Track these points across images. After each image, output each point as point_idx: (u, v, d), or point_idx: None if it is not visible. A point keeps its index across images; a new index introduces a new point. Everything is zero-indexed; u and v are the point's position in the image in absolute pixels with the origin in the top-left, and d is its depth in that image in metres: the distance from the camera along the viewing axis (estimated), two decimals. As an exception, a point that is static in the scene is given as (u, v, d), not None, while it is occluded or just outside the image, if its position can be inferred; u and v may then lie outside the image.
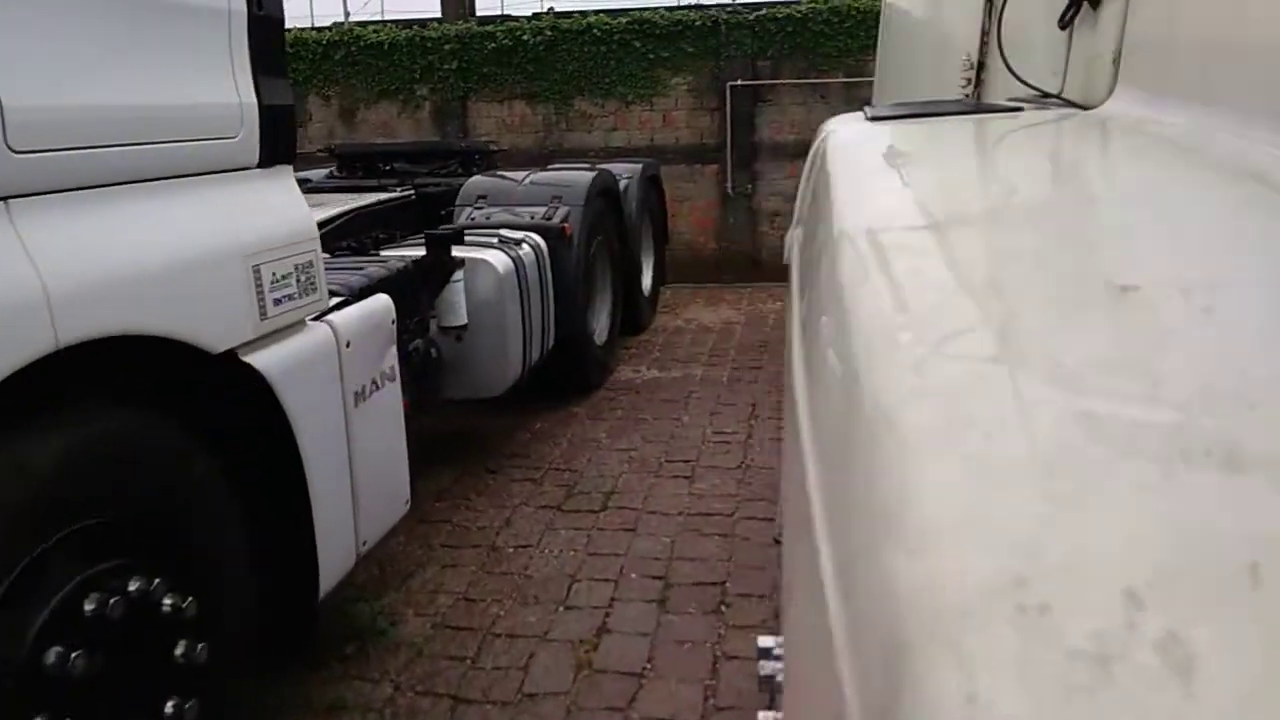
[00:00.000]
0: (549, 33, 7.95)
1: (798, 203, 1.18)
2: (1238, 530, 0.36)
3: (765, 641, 1.47)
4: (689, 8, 8.05)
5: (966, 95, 1.49)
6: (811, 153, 1.16)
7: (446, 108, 8.37)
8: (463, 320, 3.71)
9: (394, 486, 2.86)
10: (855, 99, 7.71)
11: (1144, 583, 0.33)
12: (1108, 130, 0.98)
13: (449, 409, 4.32)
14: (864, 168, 0.95)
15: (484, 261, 3.85)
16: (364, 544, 2.64)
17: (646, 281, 6.61)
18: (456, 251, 3.77)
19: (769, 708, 1.36)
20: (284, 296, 2.24)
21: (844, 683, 0.48)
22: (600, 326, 5.44)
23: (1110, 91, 1.07)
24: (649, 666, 2.72)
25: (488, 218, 4.73)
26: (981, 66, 1.44)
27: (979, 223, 0.78)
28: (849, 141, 1.07)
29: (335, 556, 2.47)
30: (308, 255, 2.33)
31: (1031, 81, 1.24)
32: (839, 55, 7.63)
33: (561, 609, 3.07)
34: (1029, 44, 1.20)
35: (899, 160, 0.97)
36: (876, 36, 3.44)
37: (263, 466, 2.24)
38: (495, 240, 4.17)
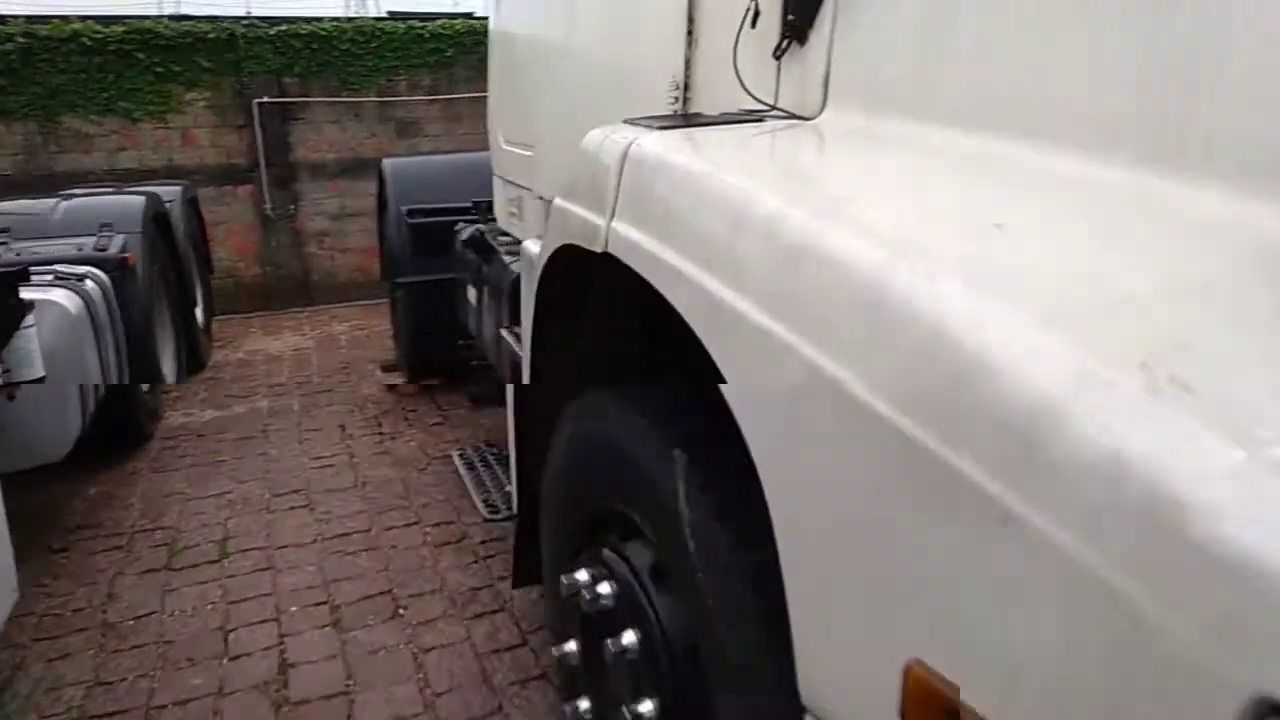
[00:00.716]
0: (22, 40, 6.81)
1: (608, 200, 1.41)
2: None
3: (573, 578, 1.67)
4: (198, 18, 7.45)
5: (675, 111, 1.83)
6: (616, 158, 1.40)
7: (-124, 126, 6.74)
8: (40, 372, 3.18)
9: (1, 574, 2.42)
10: (390, 118, 7.87)
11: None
12: (837, 132, 1.38)
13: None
14: (714, 160, 1.22)
15: (53, 303, 3.34)
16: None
17: (200, 314, 6.08)
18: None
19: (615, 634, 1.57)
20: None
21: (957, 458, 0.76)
22: (168, 366, 4.93)
23: (823, 106, 1.48)
24: (352, 682, 2.69)
25: (18, 254, 4.04)
26: (687, 87, 1.79)
27: (857, 183, 1.11)
28: (670, 146, 1.33)
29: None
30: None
31: (742, 106, 1.62)
32: (369, 74, 7.70)
33: (226, 661, 2.85)
34: (741, 70, 1.56)
35: (741, 153, 1.26)
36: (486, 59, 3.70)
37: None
38: (51, 277, 3.62)
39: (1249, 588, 0.56)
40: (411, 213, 4.84)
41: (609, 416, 1.63)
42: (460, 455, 3.37)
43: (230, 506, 3.98)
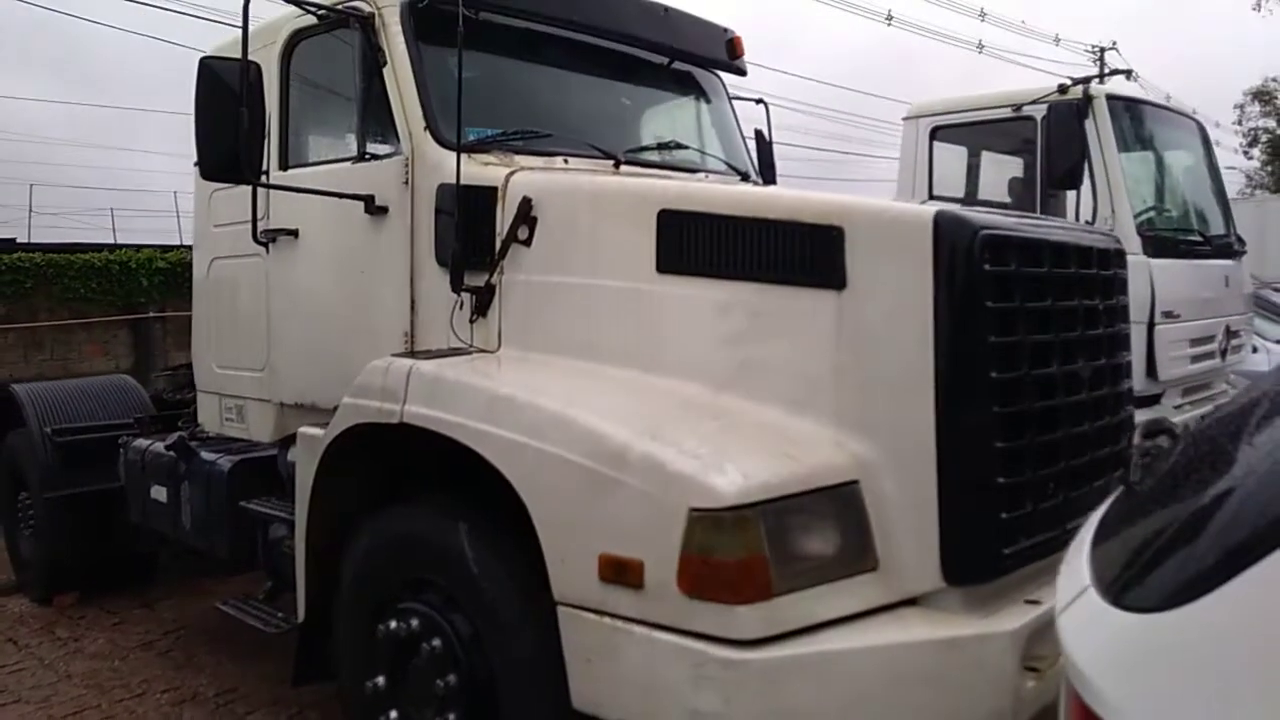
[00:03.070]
0: None
1: (400, 395, 2.78)
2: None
3: (387, 624, 2.85)
4: None
5: (406, 348, 3.21)
6: (403, 373, 2.78)
7: None
8: None
9: None
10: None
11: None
12: (517, 357, 2.93)
13: None
14: (464, 373, 2.68)
15: None
16: None
17: None
18: None
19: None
20: None
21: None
22: None
23: (499, 346, 3.01)
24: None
25: None
26: (413, 335, 3.20)
27: (531, 378, 2.64)
28: (436, 367, 2.75)
29: None
30: None
31: (451, 344, 3.10)
32: None
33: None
34: (447, 330, 3.06)
35: (473, 369, 2.72)
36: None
37: None
38: None
39: (675, 484, 2.17)
40: (59, 432, 5.31)
41: (402, 519, 2.88)
42: (225, 604, 3.96)
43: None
